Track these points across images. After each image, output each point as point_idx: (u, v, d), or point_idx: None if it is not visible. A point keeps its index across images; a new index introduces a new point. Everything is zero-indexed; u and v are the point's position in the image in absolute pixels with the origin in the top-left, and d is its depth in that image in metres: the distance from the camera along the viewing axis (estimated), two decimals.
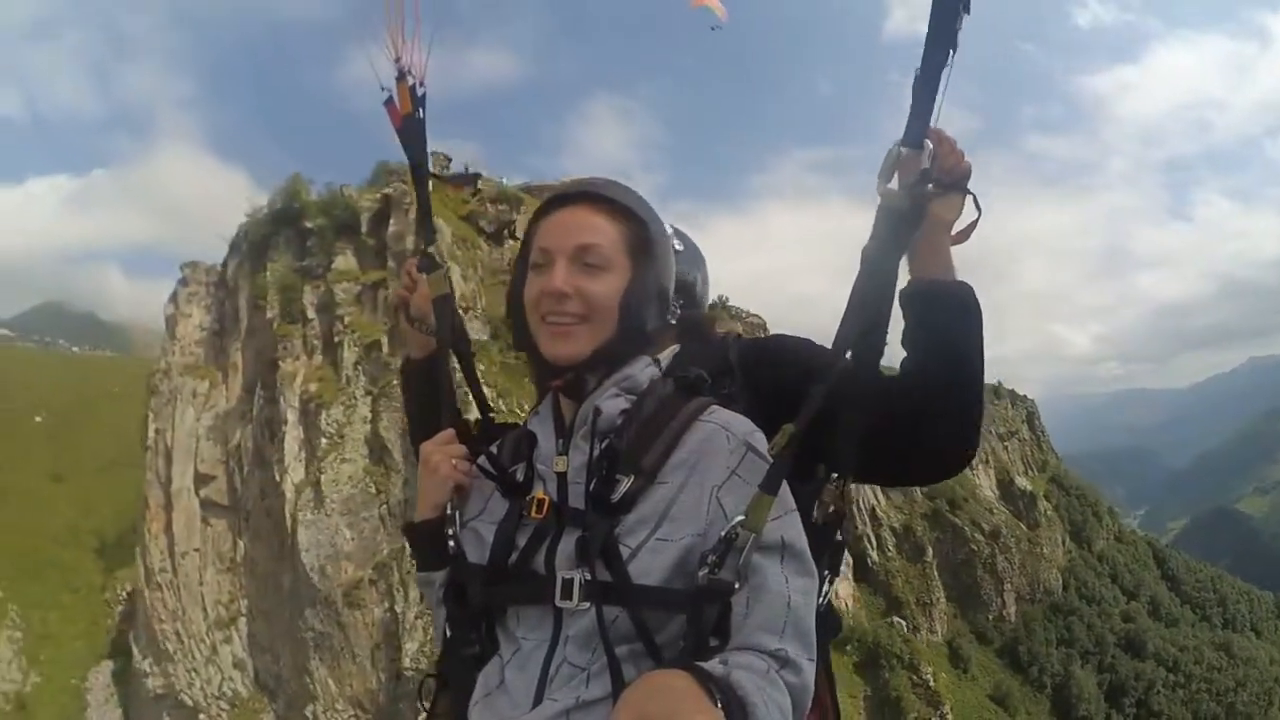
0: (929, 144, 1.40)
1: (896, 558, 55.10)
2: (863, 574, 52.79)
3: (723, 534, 1.23)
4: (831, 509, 1.44)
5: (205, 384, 35.23)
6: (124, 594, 47.02)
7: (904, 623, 51.24)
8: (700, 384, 1.50)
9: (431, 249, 1.84)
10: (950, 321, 1.54)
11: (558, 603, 1.29)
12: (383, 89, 1.84)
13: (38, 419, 62.16)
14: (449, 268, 1.90)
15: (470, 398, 1.86)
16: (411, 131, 1.84)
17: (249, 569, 33.24)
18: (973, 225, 1.60)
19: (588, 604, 1.27)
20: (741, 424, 1.39)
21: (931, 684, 46.77)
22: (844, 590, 50.26)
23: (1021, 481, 71.11)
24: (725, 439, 1.35)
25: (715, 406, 1.42)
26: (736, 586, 1.20)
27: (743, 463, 1.32)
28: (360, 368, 29.48)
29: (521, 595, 1.37)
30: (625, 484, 1.31)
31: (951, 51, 1.37)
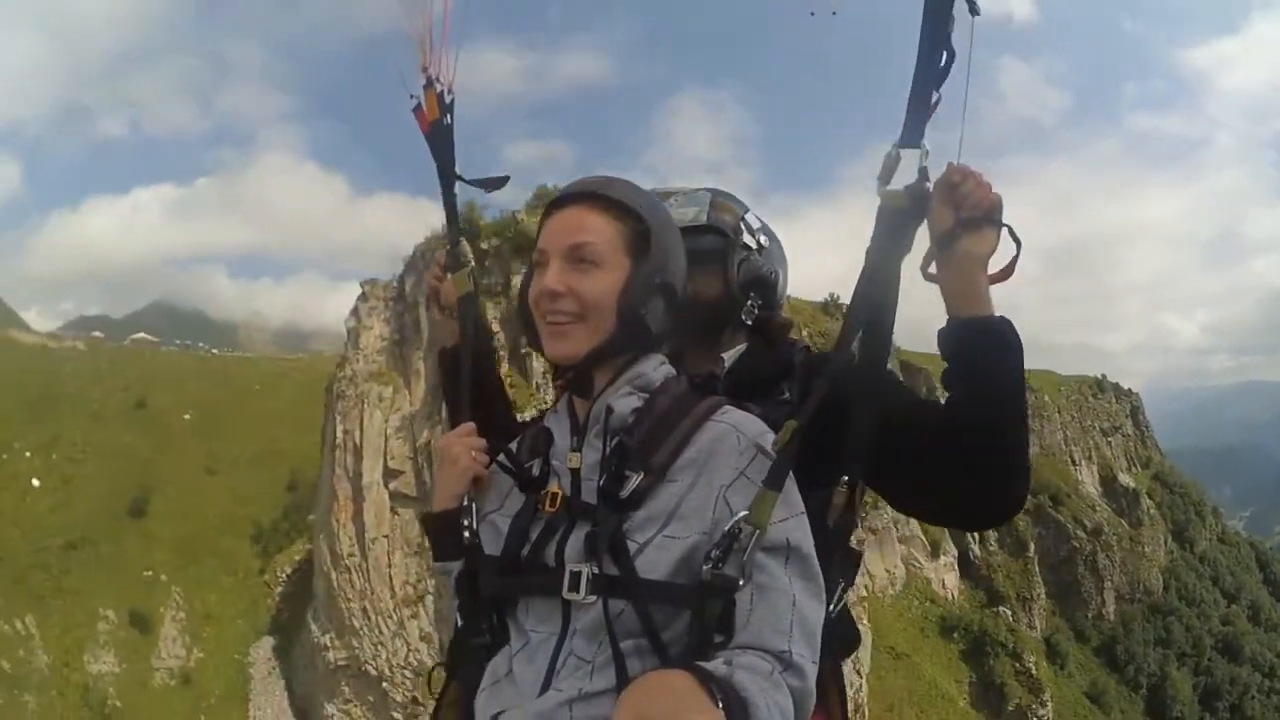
0: (925, 145, 1.43)
1: (998, 552, 56.20)
2: (965, 567, 54.45)
3: (726, 529, 1.23)
4: (843, 514, 1.45)
5: (389, 389, 39.15)
6: (283, 576, 51.40)
7: (1009, 613, 52.55)
8: (713, 384, 1.51)
9: (457, 248, 1.87)
10: (988, 361, 1.49)
11: (565, 595, 1.30)
12: (411, 96, 1.88)
13: (186, 416, 67.01)
14: (474, 267, 1.96)
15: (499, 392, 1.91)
16: (438, 137, 1.87)
17: None
18: (1013, 260, 1.55)
19: (594, 597, 1.27)
20: (752, 425, 1.38)
21: (1034, 672, 48.11)
22: (950, 581, 52.20)
23: (1124, 478, 71.02)
24: (736, 439, 1.34)
25: (728, 407, 1.43)
26: (741, 583, 1.20)
27: (752, 464, 1.32)
28: (547, 377, 32.62)
29: (531, 587, 1.37)
30: (635, 481, 1.31)
31: (946, 53, 1.41)
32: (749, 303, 1.87)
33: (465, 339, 1.83)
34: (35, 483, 55.08)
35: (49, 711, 43.49)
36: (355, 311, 42.24)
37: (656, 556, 1.26)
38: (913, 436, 1.53)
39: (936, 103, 1.47)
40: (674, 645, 1.24)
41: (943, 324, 1.56)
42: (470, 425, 1.64)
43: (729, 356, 1.85)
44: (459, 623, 1.49)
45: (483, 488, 1.54)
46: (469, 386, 1.78)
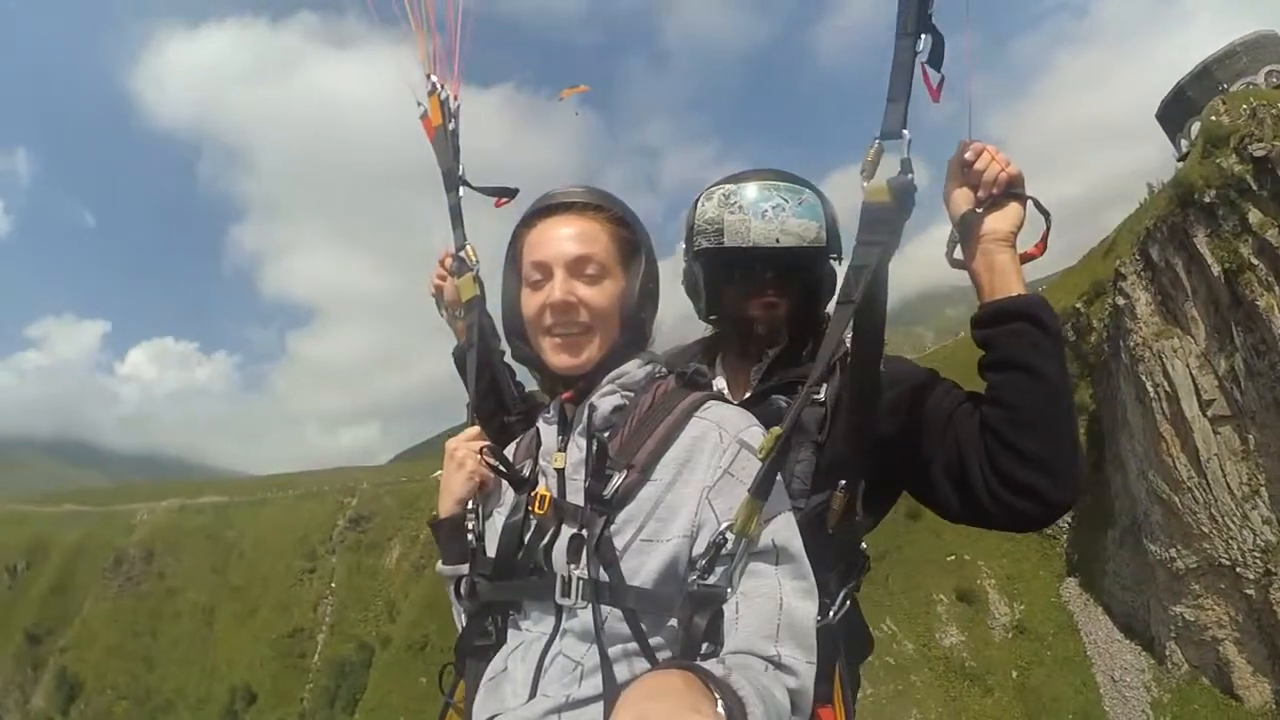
0: (906, 134, 1.36)
1: None
2: None
3: (711, 540, 1.23)
4: (842, 518, 1.44)
5: (1173, 341, 50.20)
6: (1067, 524, 59.93)
7: None
8: (700, 379, 1.50)
9: (463, 253, 1.91)
10: (1021, 345, 1.41)
11: (557, 600, 1.30)
12: (418, 104, 1.95)
13: None
14: (478, 270, 1.88)
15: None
16: (442, 141, 1.92)
17: (1262, 452, 45.57)
18: (1045, 235, 1.48)
19: (585, 603, 1.28)
20: (736, 421, 1.37)
21: None
22: None
23: None
24: (718, 436, 1.33)
25: (712, 402, 1.41)
26: (728, 593, 1.20)
27: (735, 461, 1.30)
28: None
29: (525, 590, 1.39)
30: (618, 480, 1.31)
31: (926, 36, 1.36)
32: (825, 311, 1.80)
33: (472, 341, 1.85)
34: None
35: (930, 687, 58.16)
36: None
37: (640, 561, 1.27)
38: (951, 438, 1.49)
39: (941, 83, 1.42)
40: (661, 650, 1.25)
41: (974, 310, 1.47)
42: (476, 429, 1.66)
43: (770, 353, 1.79)
44: (461, 624, 1.52)
45: (488, 490, 1.56)
46: (475, 387, 1.82)
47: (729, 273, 1.80)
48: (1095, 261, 66.12)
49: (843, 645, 1.48)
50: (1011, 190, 1.46)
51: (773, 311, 1.78)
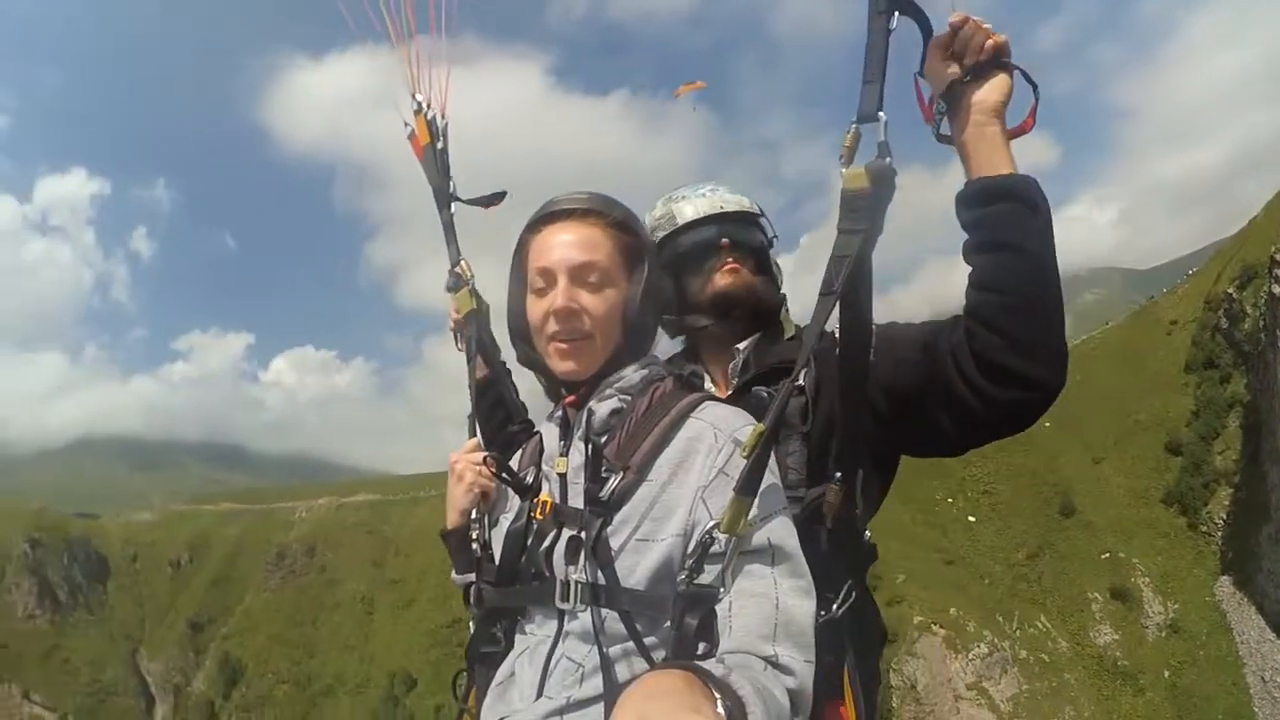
0: (883, 116, 1.32)
1: None
2: None
3: (698, 539, 1.23)
4: (839, 511, 1.42)
5: None
6: (1218, 522, 58.40)
7: None
8: (696, 380, 1.56)
9: (458, 268, 1.93)
10: (1010, 225, 1.35)
11: (557, 603, 1.32)
12: (405, 124, 1.98)
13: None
14: (473, 283, 1.93)
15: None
16: (431, 160, 1.96)
17: None
18: (1034, 108, 1.43)
19: (584, 606, 1.30)
20: (731, 420, 1.37)
21: None
22: None
23: None
24: (713, 437, 1.34)
25: (708, 403, 1.42)
26: (720, 591, 1.20)
27: (730, 460, 1.30)
28: None
29: (528, 595, 1.42)
30: (614, 482, 1.32)
31: (896, 14, 1.33)
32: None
33: (471, 354, 1.89)
34: (971, 519, 70.35)
35: (1083, 685, 56.71)
36: None
37: (633, 561, 1.29)
38: (930, 355, 1.46)
39: (934, 102, 1.42)
40: (658, 651, 1.26)
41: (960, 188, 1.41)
42: (475, 441, 1.71)
43: (743, 347, 1.79)
44: (472, 630, 1.55)
45: (491, 500, 1.59)
46: (483, 400, 1.87)
47: (689, 256, 1.86)
48: (1244, 241, 65.76)
49: (851, 639, 1.45)
50: (998, 60, 1.42)
51: (738, 276, 1.82)
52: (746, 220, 1.89)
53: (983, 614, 57.21)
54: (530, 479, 1.51)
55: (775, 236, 1.95)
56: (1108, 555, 66.90)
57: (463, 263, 1.97)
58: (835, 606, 1.40)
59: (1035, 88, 1.41)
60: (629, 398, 1.45)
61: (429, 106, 1.96)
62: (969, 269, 1.42)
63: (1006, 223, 1.36)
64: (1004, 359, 1.36)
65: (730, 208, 1.87)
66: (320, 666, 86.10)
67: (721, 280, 1.83)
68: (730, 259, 1.84)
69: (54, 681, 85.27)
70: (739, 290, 1.82)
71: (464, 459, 1.63)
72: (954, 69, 1.44)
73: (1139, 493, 66.64)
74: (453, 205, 1.99)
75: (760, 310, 1.83)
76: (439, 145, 1.98)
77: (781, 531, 1.26)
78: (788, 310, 1.90)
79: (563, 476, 1.44)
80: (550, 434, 1.54)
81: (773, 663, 1.13)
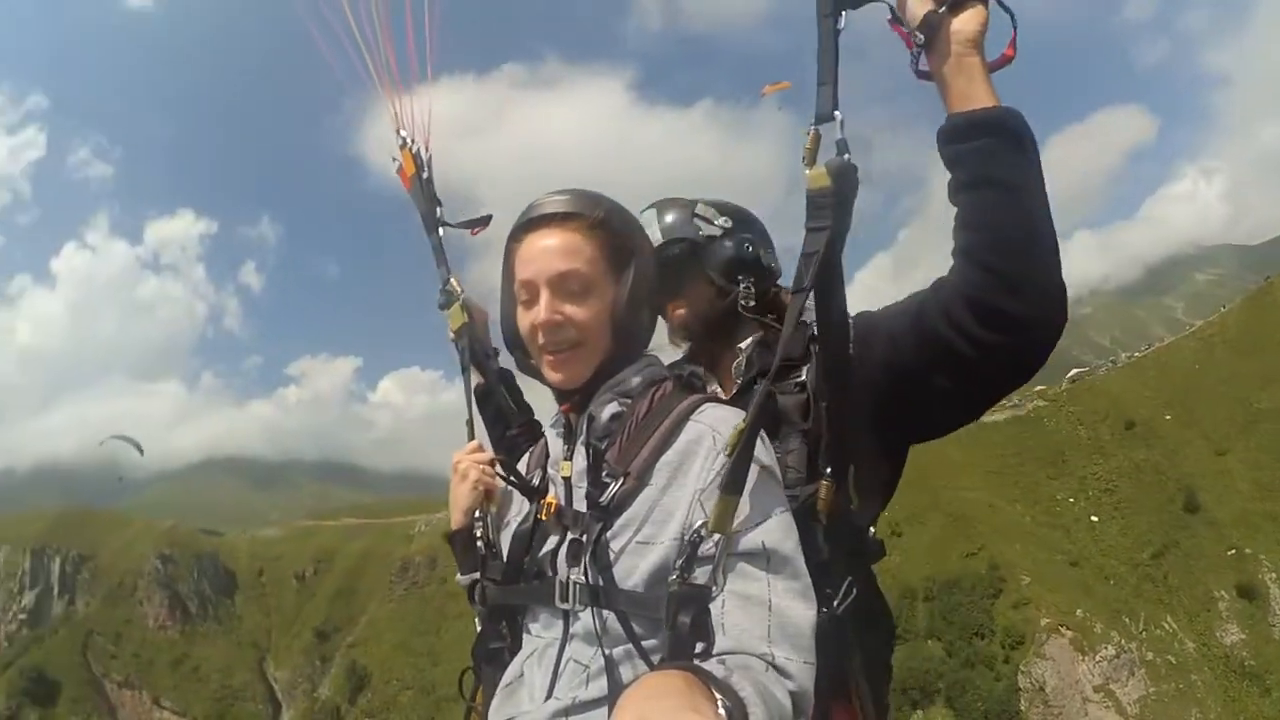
0: (839, 115, 1.31)
1: None
2: None
3: (687, 538, 1.23)
4: (831, 509, 1.40)
5: None
6: None
7: None
8: (696, 381, 1.53)
9: (448, 285, 1.97)
10: (994, 160, 1.31)
11: (558, 604, 1.34)
12: (393, 159, 2.05)
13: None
14: (464, 299, 1.95)
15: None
16: (418, 189, 2.03)
17: None
18: (1013, 39, 1.38)
19: (584, 606, 1.30)
20: (729, 422, 1.35)
21: None
22: None
23: None
24: (712, 439, 1.32)
25: (707, 405, 1.41)
26: (713, 591, 1.19)
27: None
28: None
29: (532, 596, 1.43)
30: (615, 486, 1.33)
31: (844, 15, 1.33)
32: (741, 287, 1.79)
33: (465, 365, 1.89)
34: (1094, 518, 67.62)
35: (1210, 687, 54.67)
36: None
37: (632, 564, 1.29)
38: (922, 318, 1.42)
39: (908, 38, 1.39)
40: (657, 653, 1.26)
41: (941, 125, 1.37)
42: (477, 443, 1.72)
43: (745, 346, 1.78)
44: (478, 629, 1.56)
45: (496, 500, 1.61)
46: (475, 406, 1.87)
47: (682, 265, 1.82)
48: None
49: (855, 638, 1.43)
50: None
51: (684, 314, 1.85)
52: (660, 252, 1.74)
53: (1109, 615, 56.32)
54: (537, 481, 1.54)
55: (700, 230, 1.83)
56: (1233, 551, 64.80)
57: (452, 280, 2.00)
58: (836, 604, 1.38)
59: (1012, 15, 1.37)
60: (629, 401, 1.45)
61: (412, 141, 2.04)
62: (955, 209, 1.38)
63: (991, 158, 1.32)
64: (996, 299, 1.32)
65: (669, 235, 1.81)
66: (444, 674, 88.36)
67: (674, 317, 1.87)
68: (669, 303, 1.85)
69: (183, 688, 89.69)
70: (687, 325, 1.86)
71: (467, 458, 1.66)
72: (929, 3, 1.38)
73: (1264, 485, 64.55)
74: (440, 229, 2.05)
75: (711, 330, 1.85)
76: (425, 175, 2.04)
77: (777, 533, 1.25)
78: (784, 294, 1.85)
79: (567, 480, 1.45)
80: (555, 438, 1.56)
81: (770, 664, 1.13)
